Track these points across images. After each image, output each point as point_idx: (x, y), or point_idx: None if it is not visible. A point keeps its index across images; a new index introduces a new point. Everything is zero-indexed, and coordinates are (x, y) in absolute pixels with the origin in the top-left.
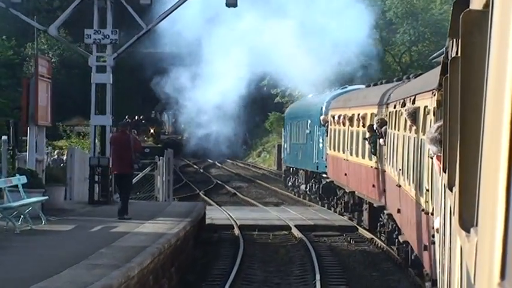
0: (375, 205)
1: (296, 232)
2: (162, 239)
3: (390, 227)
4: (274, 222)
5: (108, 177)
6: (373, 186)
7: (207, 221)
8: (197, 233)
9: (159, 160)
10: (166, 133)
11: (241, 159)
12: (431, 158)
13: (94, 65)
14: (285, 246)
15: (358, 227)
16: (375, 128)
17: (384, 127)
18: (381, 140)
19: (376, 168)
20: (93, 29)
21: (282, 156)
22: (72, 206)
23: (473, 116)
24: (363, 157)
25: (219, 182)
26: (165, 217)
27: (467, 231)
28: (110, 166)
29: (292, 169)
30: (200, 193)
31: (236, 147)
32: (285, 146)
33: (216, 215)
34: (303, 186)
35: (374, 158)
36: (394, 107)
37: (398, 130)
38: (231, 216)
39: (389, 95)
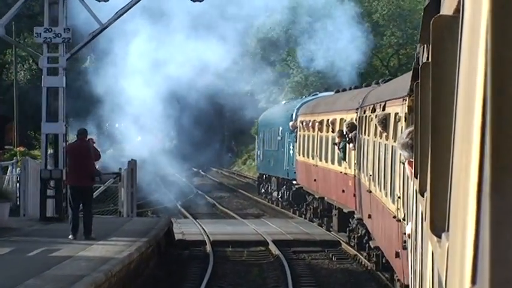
0: (344, 210)
1: (273, 248)
2: (106, 266)
3: (360, 232)
4: (251, 237)
5: (62, 191)
6: (343, 191)
7: (179, 236)
8: (164, 251)
9: (123, 171)
10: (155, 141)
11: (227, 167)
12: (403, 164)
13: (45, 67)
14: (259, 264)
15: (341, 241)
16: (344, 133)
17: (354, 132)
18: (351, 145)
19: (345, 173)
20: (44, 26)
21: (256, 163)
22: (20, 224)
23: (444, 121)
24: (332, 162)
25: (199, 191)
26: (119, 236)
27: (439, 236)
28: (64, 178)
29: (265, 176)
30: (177, 204)
31: (221, 155)
32: (258, 153)
33: (190, 229)
34: (275, 193)
35: (344, 164)
36: (364, 113)
37: (369, 136)
38: (204, 231)
39: (359, 101)
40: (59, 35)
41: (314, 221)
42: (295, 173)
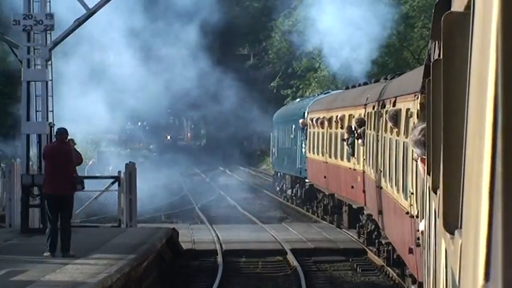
0: (354, 206)
1: (292, 258)
2: None
3: (369, 227)
4: (267, 246)
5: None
6: (352, 187)
7: (189, 245)
8: (169, 263)
9: (122, 174)
10: (185, 139)
11: (255, 165)
12: (416, 161)
13: (25, 58)
14: (274, 278)
15: (367, 250)
16: (353, 129)
17: (363, 127)
18: (360, 141)
19: (354, 169)
20: (22, 13)
21: (271, 160)
22: None
23: (456, 118)
24: (342, 159)
25: (222, 192)
26: (104, 253)
27: (452, 233)
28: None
29: (280, 174)
30: (196, 207)
31: (249, 153)
32: (273, 151)
33: (203, 236)
34: (289, 191)
35: (352, 159)
36: (373, 108)
37: (378, 131)
38: (218, 238)
39: (367, 97)
40: (40, 22)
41: (325, 218)
42: (306, 170)
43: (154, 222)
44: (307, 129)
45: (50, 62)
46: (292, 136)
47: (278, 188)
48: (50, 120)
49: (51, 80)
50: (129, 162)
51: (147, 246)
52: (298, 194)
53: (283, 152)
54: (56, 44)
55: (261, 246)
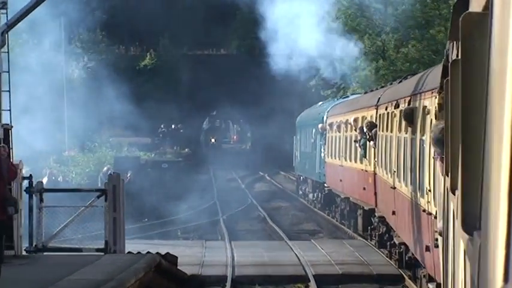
0: (365, 208)
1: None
2: None
3: (381, 230)
4: (288, 270)
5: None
6: (364, 189)
7: (196, 269)
8: None
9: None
10: (231, 142)
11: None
12: (435, 159)
13: None
14: None
15: (404, 276)
16: (364, 131)
17: (374, 129)
18: (371, 143)
19: (366, 170)
20: None
21: (294, 164)
22: None
23: (474, 119)
24: (355, 161)
25: (254, 201)
26: None
27: (471, 234)
28: None
29: (302, 177)
30: (221, 219)
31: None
32: (296, 154)
33: (216, 256)
34: (310, 195)
35: (364, 161)
36: (386, 109)
37: (391, 132)
38: (233, 260)
39: (380, 98)
40: None
41: (343, 223)
42: (324, 175)
43: (168, 238)
44: (326, 134)
45: (3, 49)
46: (312, 140)
47: (301, 192)
48: (5, 121)
49: (8, 72)
50: (113, 172)
51: (113, 284)
52: (319, 198)
53: (304, 156)
54: (10, 26)
55: (280, 271)
